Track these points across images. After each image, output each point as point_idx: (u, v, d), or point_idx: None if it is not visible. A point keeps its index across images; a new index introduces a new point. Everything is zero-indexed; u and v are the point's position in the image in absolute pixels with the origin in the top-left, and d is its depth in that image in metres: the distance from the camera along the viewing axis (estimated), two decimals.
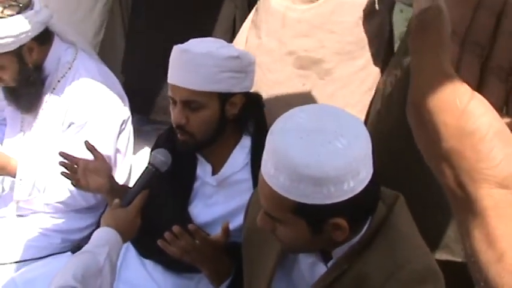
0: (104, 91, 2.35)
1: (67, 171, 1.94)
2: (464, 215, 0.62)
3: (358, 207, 1.29)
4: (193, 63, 1.76)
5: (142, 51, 3.15)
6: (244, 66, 1.83)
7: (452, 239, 2.01)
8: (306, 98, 2.31)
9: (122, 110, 2.44)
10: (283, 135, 1.23)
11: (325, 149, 1.20)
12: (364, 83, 2.37)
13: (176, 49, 1.82)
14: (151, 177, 1.84)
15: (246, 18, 2.62)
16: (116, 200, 1.81)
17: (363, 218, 1.37)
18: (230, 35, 2.95)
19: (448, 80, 0.63)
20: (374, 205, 1.37)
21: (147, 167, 1.86)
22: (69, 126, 2.34)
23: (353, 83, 2.36)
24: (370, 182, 1.27)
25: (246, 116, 1.90)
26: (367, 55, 2.36)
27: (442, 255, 1.99)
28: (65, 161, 1.95)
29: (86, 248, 1.68)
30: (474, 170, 0.61)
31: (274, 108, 2.01)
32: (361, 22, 2.32)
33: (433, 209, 1.92)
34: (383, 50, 2.43)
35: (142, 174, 1.86)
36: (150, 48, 3.07)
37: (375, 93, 2.31)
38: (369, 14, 2.33)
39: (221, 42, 1.89)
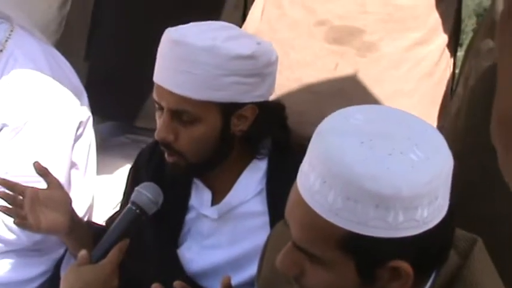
0: (51, 81, 2.12)
1: (8, 205, 1.71)
2: None
3: (428, 250, 1.14)
4: (187, 60, 1.61)
5: (117, 27, 2.79)
6: (260, 68, 1.65)
7: None
8: (339, 83, 2.13)
9: (77, 108, 2.20)
10: (337, 137, 1.14)
11: (396, 160, 1.10)
12: (420, 65, 2.16)
13: (168, 36, 1.64)
14: (134, 222, 1.65)
15: None
16: (83, 252, 1.62)
17: (429, 269, 1.21)
18: (240, 13, 2.67)
19: None
20: (445, 251, 1.21)
21: (129, 207, 1.67)
22: (1, 129, 2.08)
23: (405, 63, 2.15)
24: (447, 214, 1.15)
25: (259, 135, 1.72)
26: (427, 26, 2.16)
27: None
28: (5, 190, 1.72)
29: None
30: None
31: (294, 98, 1.90)
32: None
33: None
34: (452, 20, 2.20)
35: (122, 216, 1.67)
36: (129, 23, 2.73)
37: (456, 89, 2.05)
38: None
39: (231, 29, 1.72)
